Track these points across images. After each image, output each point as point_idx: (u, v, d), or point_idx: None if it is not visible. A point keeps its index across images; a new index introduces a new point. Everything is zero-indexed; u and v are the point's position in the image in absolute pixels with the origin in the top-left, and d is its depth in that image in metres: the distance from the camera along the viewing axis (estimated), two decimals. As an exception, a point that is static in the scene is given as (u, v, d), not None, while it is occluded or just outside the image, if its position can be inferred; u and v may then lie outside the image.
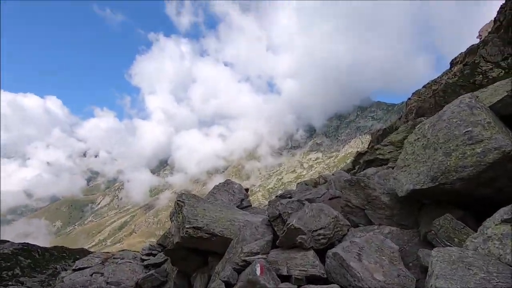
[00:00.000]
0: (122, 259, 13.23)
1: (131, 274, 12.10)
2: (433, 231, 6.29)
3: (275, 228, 8.43)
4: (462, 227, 5.98)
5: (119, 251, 17.65)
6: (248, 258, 6.65)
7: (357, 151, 31.99)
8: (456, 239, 5.86)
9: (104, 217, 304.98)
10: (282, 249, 7.42)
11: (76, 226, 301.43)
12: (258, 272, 5.76)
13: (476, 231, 5.45)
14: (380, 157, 21.73)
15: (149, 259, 12.94)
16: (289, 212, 8.48)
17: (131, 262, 12.91)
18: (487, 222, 5.28)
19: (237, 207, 12.29)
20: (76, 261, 13.74)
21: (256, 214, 11.74)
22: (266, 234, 8.31)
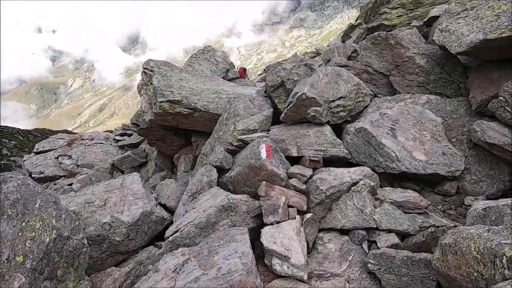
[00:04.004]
0: (92, 140, 11.63)
1: (104, 156, 10.80)
2: (501, 97, 4.58)
3: (276, 100, 6.56)
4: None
5: (89, 132, 16.01)
6: (245, 137, 4.92)
7: (350, 23, 28.03)
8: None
9: (80, 100, 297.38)
10: (286, 125, 5.75)
11: (53, 109, 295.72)
12: (263, 154, 4.10)
13: None
14: (386, 23, 18.55)
15: (123, 139, 11.44)
16: (295, 79, 6.43)
17: (103, 143, 11.42)
18: None
19: (222, 78, 10.04)
20: (36, 144, 12.03)
21: (246, 86, 9.67)
22: (264, 108, 6.47)
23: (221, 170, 4.91)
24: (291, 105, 5.52)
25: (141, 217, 4.36)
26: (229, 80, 10.50)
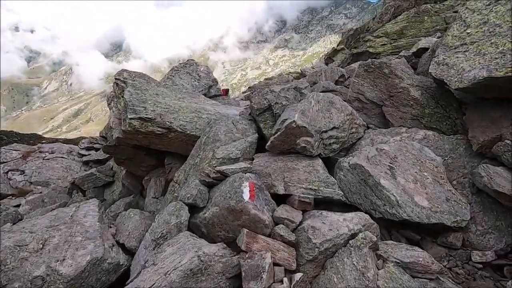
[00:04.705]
0: (52, 153, 10.33)
1: (63, 173, 9.55)
2: (508, 141, 4.21)
3: (261, 125, 5.93)
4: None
5: (53, 142, 14.54)
6: (225, 168, 4.21)
7: (333, 47, 28.75)
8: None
9: (55, 103, 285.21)
10: (273, 155, 5.11)
11: (23, 111, 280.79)
12: (246, 196, 3.40)
13: None
14: (371, 50, 18.93)
15: (89, 154, 10.31)
16: (284, 103, 5.86)
17: (64, 158, 10.17)
18: None
19: (203, 95, 9.36)
20: (-16, 155, 10.59)
21: (229, 105, 9.04)
22: (248, 133, 5.82)
23: (194, 207, 4.13)
24: (278, 133, 4.90)
25: (88, 266, 3.46)
26: (212, 97, 9.84)
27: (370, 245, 3.17)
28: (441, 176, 4.44)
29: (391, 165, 4.45)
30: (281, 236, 3.34)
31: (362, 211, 4.27)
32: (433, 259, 3.12)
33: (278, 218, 3.63)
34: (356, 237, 3.28)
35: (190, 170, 5.22)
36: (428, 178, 4.36)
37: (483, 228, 4.08)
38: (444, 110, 5.87)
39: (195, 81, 9.84)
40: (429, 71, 5.73)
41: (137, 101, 6.37)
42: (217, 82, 10.28)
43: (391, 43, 18.31)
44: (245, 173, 3.88)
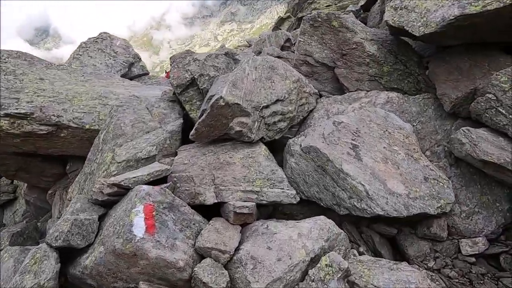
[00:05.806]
0: None
1: None
2: (490, 95, 3.34)
3: (187, 106, 4.50)
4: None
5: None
6: (122, 179, 2.78)
7: (279, 16, 27.38)
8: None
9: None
10: (202, 147, 3.78)
11: None
12: (139, 229, 2.08)
13: None
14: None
15: (-19, 166, 7.98)
16: (211, 74, 4.44)
17: None
18: None
19: (122, 76, 7.51)
20: None
21: (156, 85, 7.35)
22: (169, 119, 4.36)
23: (67, 251, 2.67)
24: (204, 115, 3.54)
25: None
26: (135, 77, 8.02)
27: (339, 275, 2.07)
28: (414, 149, 3.50)
29: (353, 142, 3.39)
30: (205, 284, 2.10)
31: (323, 207, 3.22)
32: (429, 281, 2.14)
33: (202, 249, 2.37)
34: (319, 264, 2.16)
35: (85, 182, 3.69)
36: (399, 154, 3.39)
37: (469, 208, 3.27)
38: (405, 66, 4.96)
39: (110, 58, 7.88)
40: (385, 19, 4.69)
41: (6, 91, 4.50)
42: (140, 59, 8.42)
43: (336, 4, 17.42)
44: (142, 187, 2.50)
